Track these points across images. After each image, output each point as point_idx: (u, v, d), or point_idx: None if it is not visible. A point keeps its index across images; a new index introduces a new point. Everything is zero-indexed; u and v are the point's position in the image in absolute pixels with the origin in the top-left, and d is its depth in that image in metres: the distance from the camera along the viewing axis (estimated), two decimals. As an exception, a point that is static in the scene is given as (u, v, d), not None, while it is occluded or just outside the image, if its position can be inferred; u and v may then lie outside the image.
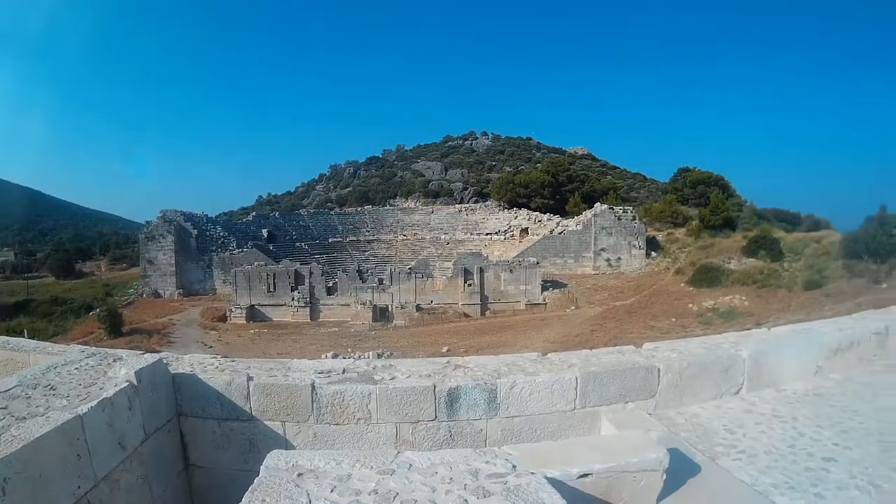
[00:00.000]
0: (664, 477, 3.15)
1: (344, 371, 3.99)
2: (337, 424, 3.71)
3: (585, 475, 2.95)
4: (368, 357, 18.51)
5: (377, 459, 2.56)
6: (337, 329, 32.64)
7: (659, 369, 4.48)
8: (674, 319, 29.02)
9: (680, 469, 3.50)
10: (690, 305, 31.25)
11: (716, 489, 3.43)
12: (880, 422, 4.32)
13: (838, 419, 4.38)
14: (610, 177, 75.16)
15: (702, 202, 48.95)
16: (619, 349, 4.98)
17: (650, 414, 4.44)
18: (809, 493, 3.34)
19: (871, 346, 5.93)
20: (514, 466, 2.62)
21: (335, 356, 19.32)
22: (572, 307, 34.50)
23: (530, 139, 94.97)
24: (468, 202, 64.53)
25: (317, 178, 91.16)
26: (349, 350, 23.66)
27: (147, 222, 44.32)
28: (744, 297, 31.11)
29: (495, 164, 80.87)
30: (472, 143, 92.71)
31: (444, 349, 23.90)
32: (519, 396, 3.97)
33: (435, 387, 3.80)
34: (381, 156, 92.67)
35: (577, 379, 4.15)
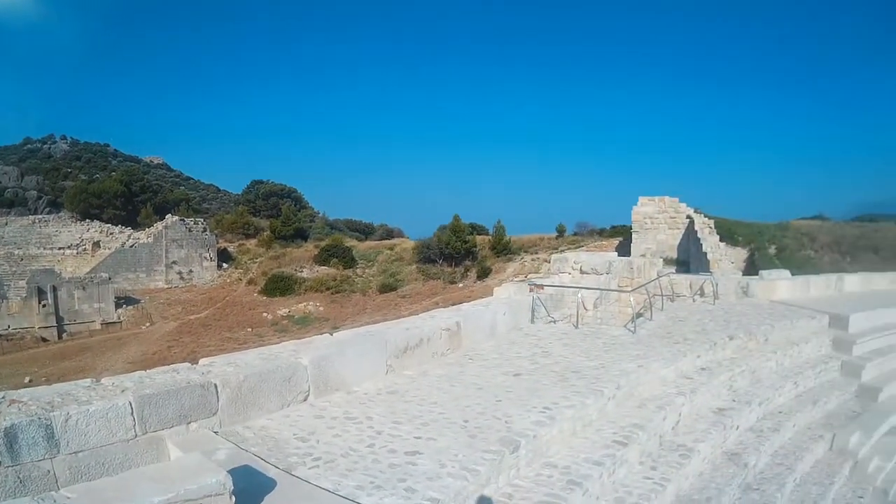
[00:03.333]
0: (233, 499, 4.42)
1: None
2: None
3: (150, 510, 3.99)
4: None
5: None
6: (-88, 363, 42.77)
7: (216, 385, 6.39)
8: (250, 329, 47.34)
9: (254, 486, 4.90)
10: (265, 314, 51.39)
11: (295, 501, 4.87)
12: (463, 410, 7.18)
13: (416, 413, 7.00)
14: (183, 188, 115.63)
15: (274, 214, 79.77)
16: (174, 368, 6.84)
17: (216, 432, 6.19)
18: (399, 489, 5.20)
19: (444, 341, 9.92)
20: (73, 511, 3.61)
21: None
22: (147, 324, 51.61)
23: (108, 146, 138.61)
24: (42, 213, 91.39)
25: None
26: (-67, 388, 28.95)
27: None
28: (318, 304, 53.29)
29: (71, 172, 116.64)
30: (50, 148, 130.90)
31: (27, 380, 34.71)
32: (76, 429, 5.36)
33: (-10, 428, 4.96)
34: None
35: (131, 404, 5.70)
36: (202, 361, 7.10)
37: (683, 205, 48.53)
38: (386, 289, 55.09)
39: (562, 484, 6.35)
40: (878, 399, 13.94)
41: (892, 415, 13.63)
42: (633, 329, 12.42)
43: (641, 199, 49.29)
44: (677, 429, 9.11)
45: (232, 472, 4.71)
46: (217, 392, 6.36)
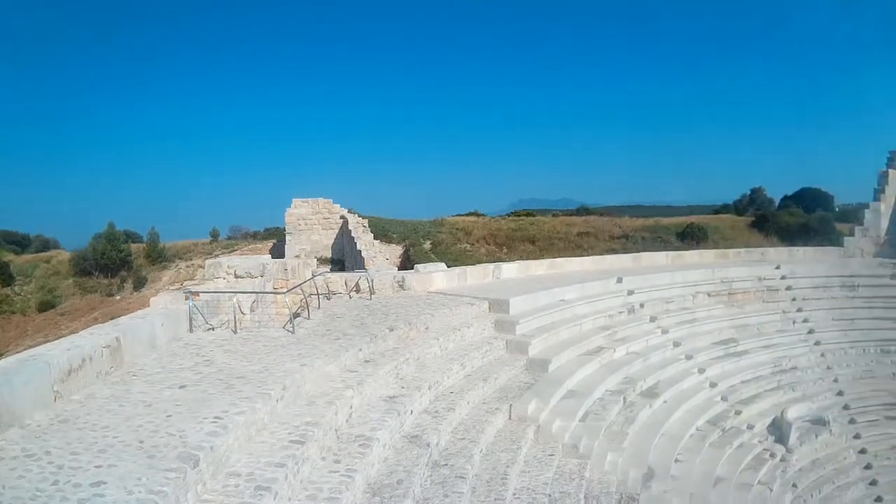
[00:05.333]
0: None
1: None
2: None
3: None
4: None
5: None
6: None
7: None
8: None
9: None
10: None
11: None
12: (136, 430, 8.46)
13: (92, 440, 8.22)
14: None
15: (-66, 228, 77.14)
16: None
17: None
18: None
19: (107, 359, 11.22)
20: None
21: None
22: None
23: None
24: None
25: None
26: None
27: None
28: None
29: None
30: None
31: None
32: None
33: None
34: None
35: None
36: None
37: (337, 206, 56.83)
38: (45, 306, 57.23)
39: (250, 491, 7.71)
40: (549, 370, 17.62)
41: (566, 381, 17.33)
42: (292, 329, 14.78)
43: (295, 201, 56.83)
44: (352, 421, 11.23)
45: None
46: None
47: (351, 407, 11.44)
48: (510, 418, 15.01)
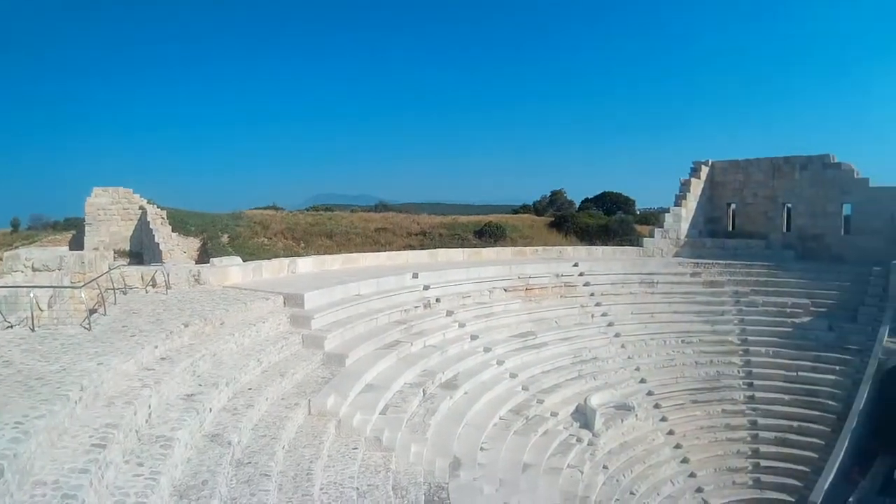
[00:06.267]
0: None
1: None
2: None
3: None
4: None
5: None
6: None
7: None
8: None
9: None
10: None
11: None
12: None
13: None
14: None
15: None
16: None
17: None
18: None
19: None
20: None
21: None
22: None
23: None
24: None
25: None
26: None
27: None
28: None
29: None
30: None
31: None
32: None
33: None
34: None
35: None
36: None
37: (137, 196, 56.66)
38: None
39: (57, 500, 7.64)
40: (346, 364, 18.78)
41: (363, 375, 18.52)
42: (88, 326, 14.86)
43: (95, 190, 55.87)
44: (151, 421, 11.59)
45: None
46: None
47: (150, 406, 11.69)
48: (310, 413, 15.82)
